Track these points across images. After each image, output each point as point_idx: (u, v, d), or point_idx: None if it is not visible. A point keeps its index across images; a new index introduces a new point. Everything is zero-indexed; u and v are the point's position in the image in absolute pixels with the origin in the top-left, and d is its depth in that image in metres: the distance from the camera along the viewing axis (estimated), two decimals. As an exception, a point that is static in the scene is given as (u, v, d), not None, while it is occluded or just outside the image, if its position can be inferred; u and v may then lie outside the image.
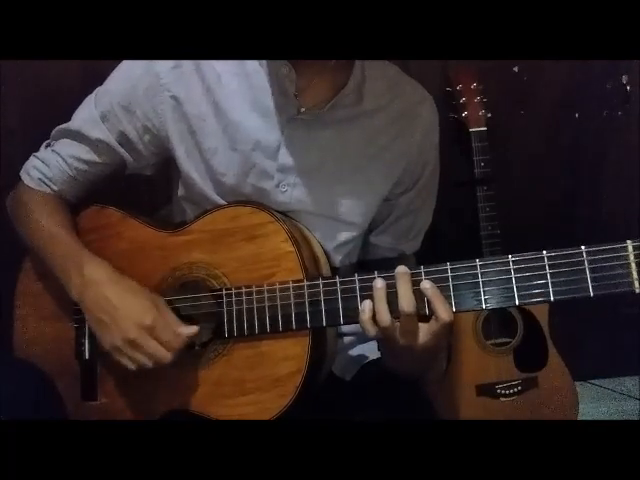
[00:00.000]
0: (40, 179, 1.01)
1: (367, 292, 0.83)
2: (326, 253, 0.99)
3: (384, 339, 0.83)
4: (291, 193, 0.97)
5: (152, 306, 0.89)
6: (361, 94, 0.96)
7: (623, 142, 1.65)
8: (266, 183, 0.96)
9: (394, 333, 0.81)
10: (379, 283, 0.81)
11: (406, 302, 0.79)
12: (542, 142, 1.63)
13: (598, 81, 1.60)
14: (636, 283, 0.73)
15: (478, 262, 0.80)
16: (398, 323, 0.81)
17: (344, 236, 1.01)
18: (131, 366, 0.89)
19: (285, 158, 0.95)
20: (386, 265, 1.08)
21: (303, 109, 0.94)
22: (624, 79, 1.60)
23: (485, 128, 1.45)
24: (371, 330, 0.82)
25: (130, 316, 0.88)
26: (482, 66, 1.47)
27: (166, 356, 0.88)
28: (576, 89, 1.60)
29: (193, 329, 0.89)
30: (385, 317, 0.80)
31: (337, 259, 1.02)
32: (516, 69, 1.57)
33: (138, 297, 0.91)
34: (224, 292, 0.91)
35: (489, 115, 1.46)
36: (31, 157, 1.04)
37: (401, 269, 0.81)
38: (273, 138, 0.95)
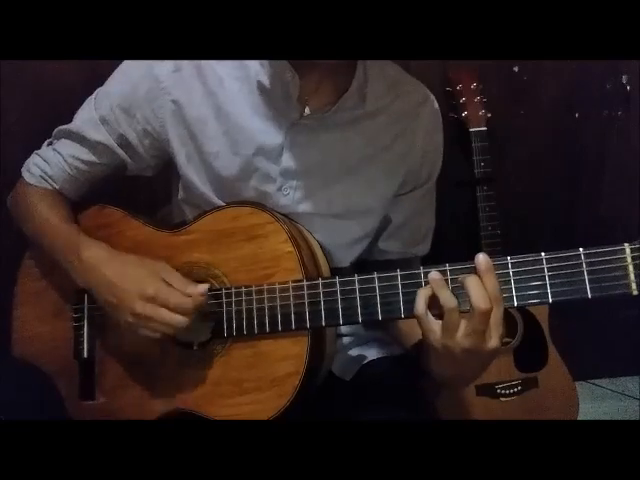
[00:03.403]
0: (41, 176, 1.02)
1: (366, 293, 0.83)
2: (326, 254, 0.99)
3: (429, 335, 0.78)
4: (293, 196, 0.97)
5: (152, 275, 0.89)
6: (363, 96, 0.96)
7: (623, 142, 1.65)
8: (268, 186, 0.96)
9: (454, 321, 0.75)
10: (436, 275, 0.76)
11: (451, 301, 0.75)
12: (542, 142, 1.63)
13: (598, 81, 1.60)
14: (633, 285, 0.73)
15: (477, 263, 0.80)
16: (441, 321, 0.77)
17: (347, 237, 1.01)
18: (153, 335, 0.88)
19: (288, 162, 0.95)
20: (387, 266, 1.08)
21: (306, 113, 0.94)
22: (624, 79, 1.60)
23: (485, 128, 1.46)
24: (432, 323, 0.77)
25: (131, 290, 0.88)
26: (482, 66, 1.47)
27: (181, 320, 0.87)
28: (576, 89, 1.60)
29: (203, 287, 0.88)
30: (452, 301, 0.74)
31: (342, 259, 1.02)
32: (516, 69, 1.57)
33: (137, 269, 0.90)
34: (224, 292, 0.91)
35: (489, 115, 1.46)
36: (33, 154, 1.05)
37: (434, 275, 0.76)
38: (276, 142, 0.94)
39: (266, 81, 0.93)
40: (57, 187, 1.02)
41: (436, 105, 1.03)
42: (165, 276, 0.89)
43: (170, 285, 0.88)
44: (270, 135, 0.94)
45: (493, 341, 0.75)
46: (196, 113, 0.95)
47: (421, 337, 0.81)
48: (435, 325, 0.77)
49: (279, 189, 0.96)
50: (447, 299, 0.75)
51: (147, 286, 0.87)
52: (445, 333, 0.76)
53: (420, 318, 0.77)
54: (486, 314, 0.73)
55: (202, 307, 0.88)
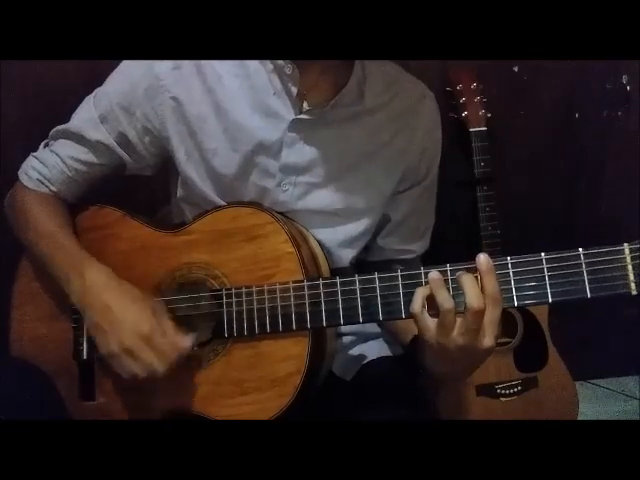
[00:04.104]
0: (38, 179, 1.01)
1: (367, 293, 0.83)
2: (325, 253, 0.99)
3: (424, 333, 0.78)
4: (292, 192, 0.97)
5: (150, 314, 0.88)
6: (362, 92, 0.96)
7: (623, 142, 1.65)
8: (267, 182, 0.97)
9: (449, 322, 0.75)
10: (436, 275, 0.76)
11: (448, 303, 0.75)
12: (542, 142, 1.63)
13: (598, 81, 1.60)
14: (632, 285, 0.73)
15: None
16: (436, 319, 0.77)
17: (347, 233, 1.01)
18: (124, 374, 0.88)
19: (287, 158, 0.95)
20: (388, 266, 1.08)
21: (305, 108, 0.94)
22: (624, 79, 1.60)
23: (485, 128, 1.45)
24: (428, 321, 0.77)
25: (127, 323, 0.87)
26: (482, 66, 1.47)
27: (159, 368, 0.86)
28: (576, 89, 1.60)
29: (189, 342, 0.88)
30: (449, 302, 0.74)
31: (342, 257, 1.02)
32: (516, 69, 1.57)
33: (137, 304, 0.89)
34: (224, 292, 0.91)
35: (489, 115, 1.46)
36: (29, 157, 1.04)
37: (434, 275, 0.76)
38: (275, 138, 0.94)
39: (265, 77, 0.93)
40: (55, 189, 1.01)
41: (435, 102, 1.04)
42: (159, 318, 0.89)
43: (162, 329, 0.88)
44: (269, 131, 0.94)
45: (487, 340, 0.75)
46: (196, 110, 0.95)
47: (417, 333, 0.81)
48: (431, 323, 0.77)
49: (278, 185, 0.97)
50: (444, 300, 0.75)
51: (143, 323, 0.87)
52: (440, 332, 0.76)
53: (416, 316, 0.77)
54: (479, 313, 0.73)
55: (182, 359, 0.88)
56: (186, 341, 0.88)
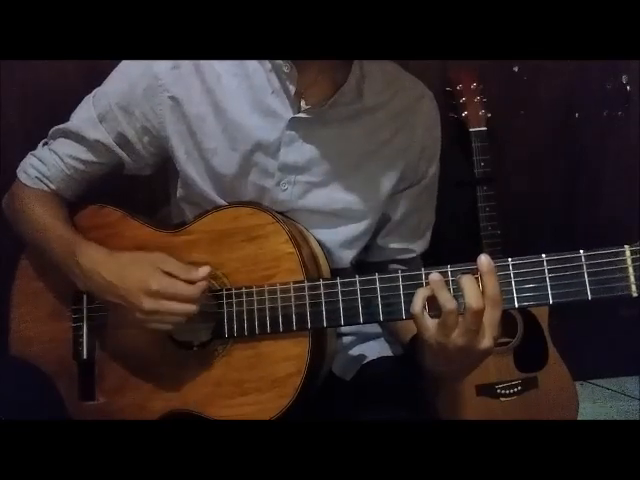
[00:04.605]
0: (37, 177, 1.01)
1: (368, 294, 0.83)
2: (326, 253, 0.99)
3: (424, 333, 0.78)
4: (291, 191, 0.97)
5: (151, 269, 0.89)
6: (361, 91, 0.96)
7: (623, 142, 1.65)
8: (266, 181, 0.97)
9: (451, 322, 0.75)
10: (437, 276, 0.76)
11: (451, 303, 0.75)
12: (542, 142, 1.63)
13: (598, 81, 1.60)
14: (633, 287, 0.73)
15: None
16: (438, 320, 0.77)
17: (347, 233, 1.01)
18: (166, 327, 0.89)
19: (286, 157, 0.95)
20: (388, 267, 1.08)
21: (304, 107, 0.94)
22: (624, 79, 1.60)
23: (485, 128, 1.45)
24: (428, 322, 0.77)
25: (135, 288, 0.88)
26: (482, 66, 1.47)
27: (191, 308, 0.88)
28: (576, 89, 1.60)
29: (204, 270, 0.88)
30: (452, 303, 0.74)
31: (342, 257, 1.02)
32: (516, 69, 1.57)
33: (135, 266, 0.90)
34: (224, 293, 0.91)
35: (489, 115, 1.46)
36: (28, 155, 1.04)
37: (435, 276, 0.77)
38: (274, 137, 0.94)
39: (264, 76, 0.93)
40: (53, 187, 1.02)
41: (434, 101, 1.04)
42: (164, 267, 0.89)
43: (171, 275, 0.89)
44: (268, 131, 0.94)
45: (486, 341, 0.76)
46: (195, 110, 0.95)
47: (417, 332, 0.81)
48: (431, 324, 0.77)
49: (277, 184, 0.96)
50: (447, 300, 0.75)
51: (149, 282, 0.87)
52: (440, 332, 0.76)
53: (417, 317, 0.78)
54: (478, 314, 0.73)
55: (207, 290, 0.89)
56: (202, 272, 0.88)
